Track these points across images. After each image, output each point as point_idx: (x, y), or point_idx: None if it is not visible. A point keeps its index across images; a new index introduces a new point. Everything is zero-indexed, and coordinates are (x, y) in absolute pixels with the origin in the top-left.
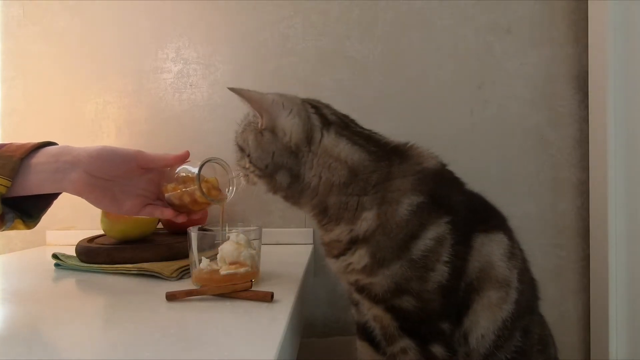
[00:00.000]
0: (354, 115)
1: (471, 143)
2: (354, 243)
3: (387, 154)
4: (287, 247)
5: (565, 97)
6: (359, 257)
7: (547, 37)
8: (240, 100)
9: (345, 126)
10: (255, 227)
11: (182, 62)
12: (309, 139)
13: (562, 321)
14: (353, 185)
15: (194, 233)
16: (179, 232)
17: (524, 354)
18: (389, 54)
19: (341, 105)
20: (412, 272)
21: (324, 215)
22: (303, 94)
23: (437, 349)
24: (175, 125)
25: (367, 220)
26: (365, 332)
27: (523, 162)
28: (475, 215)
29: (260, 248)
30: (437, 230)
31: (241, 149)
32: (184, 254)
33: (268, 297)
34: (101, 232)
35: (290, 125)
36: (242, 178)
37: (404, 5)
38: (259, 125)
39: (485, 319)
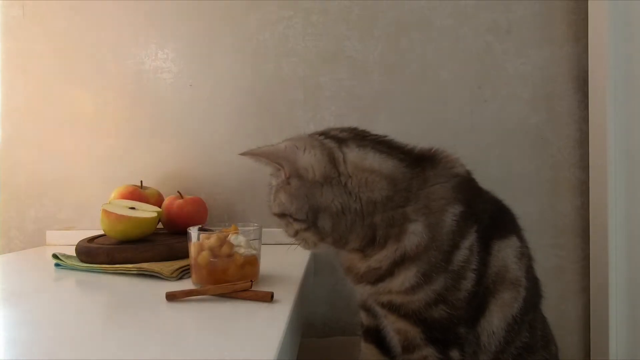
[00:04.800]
0: (354, 115)
1: (471, 143)
2: (397, 264)
3: (416, 160)
4: (287, 247)
5: (565, 97)
6: (404, 279)
7: (547, 37)
8: (256, 161)
9: (362, 137)
10: (255, 227)
11: (182, 62)
12: (332, 163)
13: (562, 321)
14: (396, 196)
15: (194, 233)
16: (179, 232)
17: (530, 349)
18: (389, 54)
19: (341, 105)
20: (451, 282)
21: (373, 241)
22: (303, 94)
23: (455, 354)
24: (175, 125)
25: (415, 235)
26: (374, 336)
27: (523, 162)
28: (494, 223)
29: (260, 248)
30: (470, 240)
31: (282, 215)
32: (184, 254)
33: (268, 297)
34: (101, 232)
35: (308, 160)
36: (301, 246)
37: (404, 5)
38: (284, 176)
39: (497, 318)
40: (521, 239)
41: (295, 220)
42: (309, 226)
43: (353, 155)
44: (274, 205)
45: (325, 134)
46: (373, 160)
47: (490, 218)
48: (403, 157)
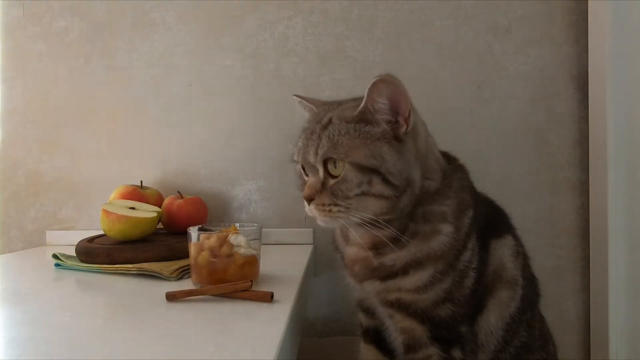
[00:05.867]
0: None
1: (471, 143)
2: (414, 265)
3: (447, 159)
4: (287, 247)
5: (565, 97)
6: (417, 279)
7: (547, 37)
8: (373, 92)
9: None
10: (255, 227)
11: (182, 62)
12: (426, 138)
13: (562, 321)
14: (441, 190)
15: (194, 233)
16: (179, 232)
17: (528, 348)
18: (389, 54)
19: None
20: (457, 281)
21: (402, 233)
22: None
23: (457, 353)
24: (175, 125)
25: (447, 236)
26: (373, 336)
27: (523, 162)
28: (490, 223)
29: (260, 248)
30: (472, 240)
31: (367, 169)
32: (184, 254)
33: (268, 297)
34: (101, 232)
35: (421, 124)
36: (323, 216)
37: (404, 5)
38: (404, 129)
39: (494, 317)
40: (515, 237)
41: (385, 182)
42: (396, 195)
43: (431, 138)
44: (353, 154)
45: None
46: (436, 149)
47: (486, 219)
48: (443, 155)
